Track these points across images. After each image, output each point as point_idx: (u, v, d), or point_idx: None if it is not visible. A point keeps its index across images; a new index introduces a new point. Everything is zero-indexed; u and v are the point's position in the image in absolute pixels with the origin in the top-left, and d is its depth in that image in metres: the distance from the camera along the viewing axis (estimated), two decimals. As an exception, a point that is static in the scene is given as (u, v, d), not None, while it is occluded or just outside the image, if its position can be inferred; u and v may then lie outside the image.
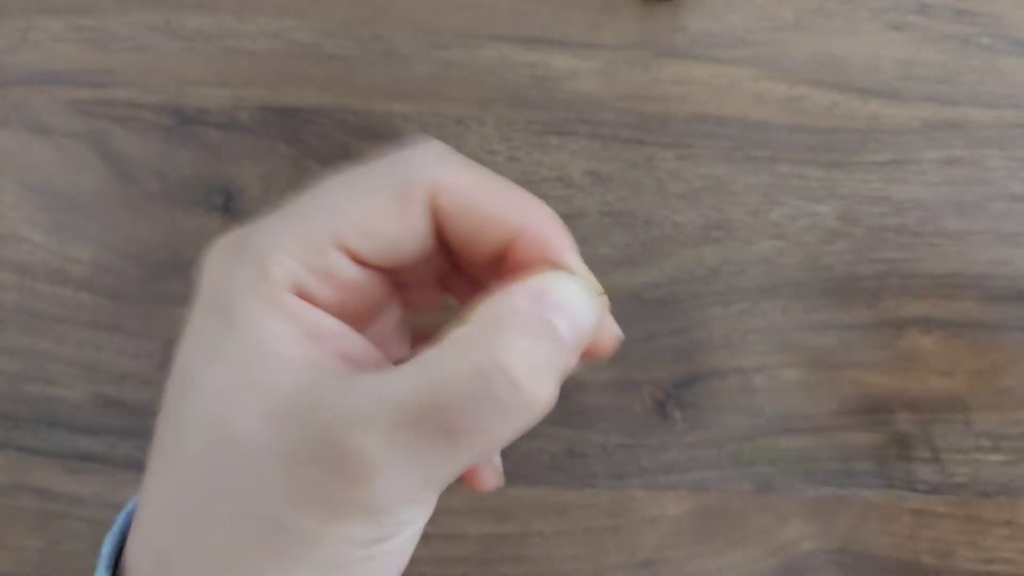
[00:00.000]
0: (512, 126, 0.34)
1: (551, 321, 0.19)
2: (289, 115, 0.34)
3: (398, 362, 0.19)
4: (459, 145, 0.33)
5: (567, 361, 0.19)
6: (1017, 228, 0.33)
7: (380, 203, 0.20)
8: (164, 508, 0.19)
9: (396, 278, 0.22)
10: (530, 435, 0.33)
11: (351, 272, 0.20)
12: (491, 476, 0.24)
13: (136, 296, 0.33)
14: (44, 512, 0.33)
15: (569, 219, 0.33)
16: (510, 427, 0.18)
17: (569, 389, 0.32)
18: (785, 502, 0.32)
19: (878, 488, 0.33)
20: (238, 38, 0.34)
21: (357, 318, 0.21)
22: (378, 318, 0.23)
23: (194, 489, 0.18)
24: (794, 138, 0.33)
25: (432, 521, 0.33)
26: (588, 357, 0.21)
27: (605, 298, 0.21)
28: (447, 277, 0.25)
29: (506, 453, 0.33)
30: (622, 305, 0.33)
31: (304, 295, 0.19)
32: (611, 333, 0.22)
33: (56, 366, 0.33)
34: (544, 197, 0.34)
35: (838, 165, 0.33)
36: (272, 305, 0.19)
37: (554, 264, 0.20)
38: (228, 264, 0.20)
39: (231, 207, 0.33)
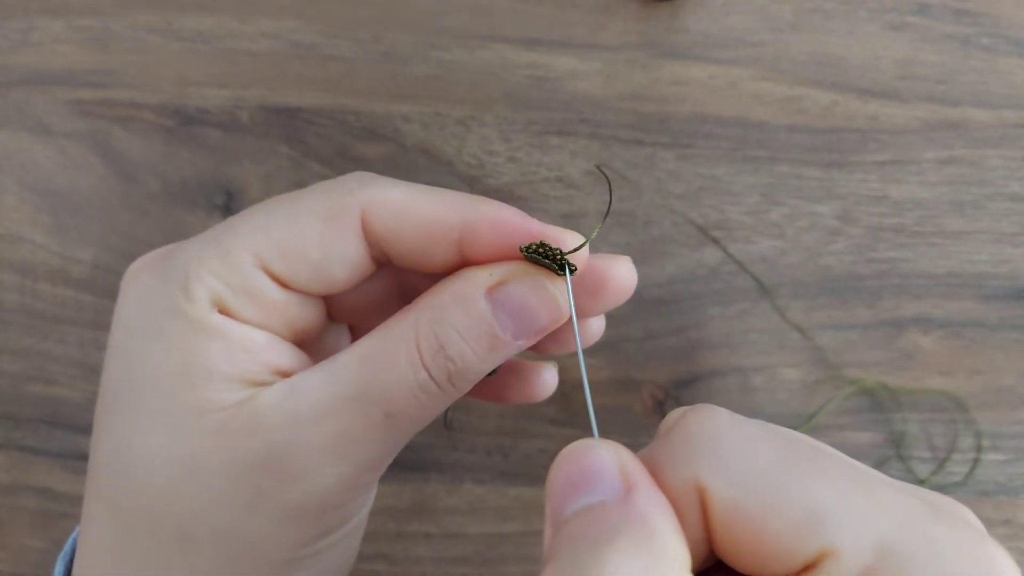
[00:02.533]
0: (512, 126, 0.34)
1: (496, 319, 0.18)
2: (289, 115, 0.34)
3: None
4: (459, 145, 0.33)
5: (509, 351, 0.19)
6: (1017, 228, 0.33)
7: (305, 227, 0.19)
8: (123, 553, 0.19)
9: (336, 312, 0.22)
10: (531, 435, 0.33)
11: (276, 294, 0.19)
12: (547, 379, 0.24)
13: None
14: (45, 512, 0.33)
15: (569, 219, 0.33)
16: (438, 407, 0.19)
17: (569, 389, 0.33)
18: (785, 501, 0.32)
19: (878, 487, 0.33)
20: (238, 39, 0.34)
21: (296, 339, 0.20)
22: (316, 348, 0.23)
23: (144, 521, 0.18)
24: (793, 138, 0.33)
25: (434, 520, 0.33)
26: (609, 305, 0.21)
27: (583, 252, 0.20)
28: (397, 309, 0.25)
29: (506, 453, 0.33)
30: (623, 305, 0.33)
31: (229, 313, 0.19)
32: (619, 262, 0.21)
33: (57, 366, 0.33)
34: (545, 197, 0.34)
35: (837, 165, 0.33)
36: (199, 324, 0.18)
37: (520, 250, 0.19)
38: (150, 285, 0.19)
39: (231, 207, 0.33)
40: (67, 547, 0.21)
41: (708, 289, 0.33)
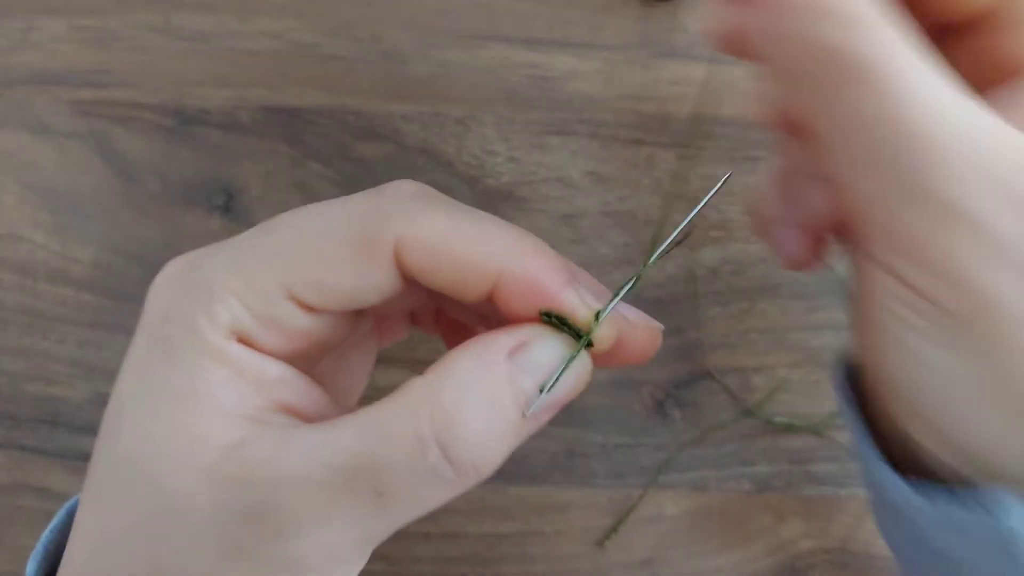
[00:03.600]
0: (512, 126, 0.34)
1: (510, 390, 0.17)
2: (289, 115, 0.34)
3: (347, 403, 0.18)
4: (459, 145, 0.33)
5: (522, 432, 0.18)
6: (1016, 228, 0.33)
7: (337, 256, 0.18)
8: (97, 565, 0.18)
9: (361, 315, 0.21)
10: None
11: (301, 321, 0.19)
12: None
13: (137, 296, 0.33)
14: (44, 511, 0.33)
15: (569, 219, 0.33)
16: (443, 495, 0.17)
17: (569, 389, 0.33)
18: (784, 502, 0.32)
19: (877, 488, 0.33)
20: (239, 39, 0.34)
21: (314, 356, 0.20)
22: (341, 348, 0.22)
23: (125, 548, 0.18)
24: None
25: (433, 520, 0.33)
26: (626, 362, 0.20)
27: (610, 332, 0.19)
28: (421, 316, 0.24)
29: (506, 453, 0.33)
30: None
31: (248, 341, 0.18)
32: (647, 334, 0.20)
33: (57, 366, 0.33)
34: (544, 197, 0.34)
35: (837, 165, 0.33)
36: (214, 349, 0.18)
37: (543, 308, 0.18)
38: (175, 297, 0.19)
39: (232, 207, 0.33)
40: (39, 547, 0.21)
41: (708, 289, 0.33)
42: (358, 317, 0.21)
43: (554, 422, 0.33)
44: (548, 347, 0.18)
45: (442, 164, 0.33)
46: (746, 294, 0.33)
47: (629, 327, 0.19)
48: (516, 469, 0.33)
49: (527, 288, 0.18)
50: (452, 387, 0.17)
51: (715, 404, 0.33)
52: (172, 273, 0.19)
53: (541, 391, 0.18)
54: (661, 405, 0.33)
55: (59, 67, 0.34)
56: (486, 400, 0.17)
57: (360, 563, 0.19)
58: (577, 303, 0.18)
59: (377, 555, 0.32)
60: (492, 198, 0.33)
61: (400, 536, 0.33)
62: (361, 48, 0.34)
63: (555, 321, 0.18)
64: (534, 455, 0.33)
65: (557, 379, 0.18)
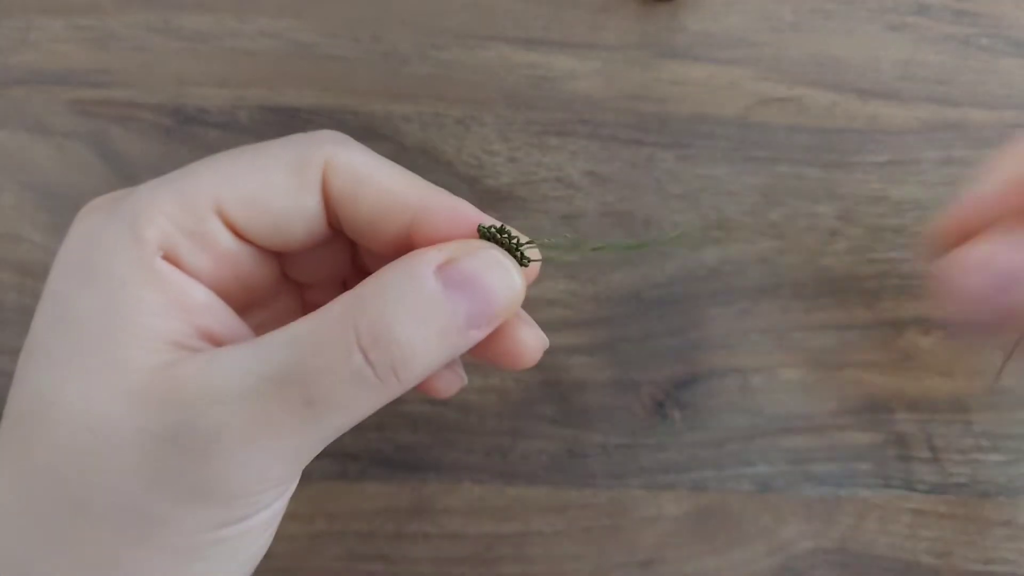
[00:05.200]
0: (512, 126, 0.34)
1: (436, 300, 0.17)
2: (289, 115, 0.34)
3: None
4: (459, 145, 0.33)
5: (451, 344, 0.17)
6: (1016, 228, 0.33)
7: (269, 174, 0.18)
8: (21, 509, 0.17)
9: (290, 270, 0.21)
10: (530, 435, 0.33)
11: (229, 243, 0.19)
12: (453, 381, 0.22)
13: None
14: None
15: (569, 219, 0.33)
16: (371, 401, 0.17)
17: (569, 389, 0.33)
18: (784, 502, 0.32)
19: (877, 488, 0.33)
20: (238, 38, 0.34)
21: (239, 300, 0.20)
22: (268, 310, 0.22)
23: (47, 488, 0.17)
24: (793, 138, 0.33)
25: (433, 520, 0.33)
26: (506, 366, 0.19)
27: (534, 262, 0.18)
28: (351, 279, 0.23)
29: (506, 453, 0.33)
30: (622, 305, 0.33)
31: (176, 260, 0.18)
32: (533, 341, 0.19)
33: (56, 366, 0.33)
34: (544, 197, 0.34)
35: (837, 165, 0.33)
36: (139, 268, 0.17)
37: (479, 228, 0.18)
38: (97, 223, 0.18)
39: (231, 207, 0.33)
40: None
41: (708, 289, 0.33)
42: (285, 269, 0.21)
43: (554, 422, 0.33)
44: (478, 260, 0.18)
45: (442, 164, 0.33)
46: (746, 294, 0.33)
47: (524, 320, 0.19)
48: (516, 469, 0.33)
49: (447, 216, 0.18)
50: (378, 296, 0.17)
51: (715, 404, 0.33)
52: (96, 204, 0.19)
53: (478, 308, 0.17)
54: (661, 405, 0.33)
55: (58, 67, 0.34)
56: (411, 308, 0.17)
57: (289, 486, 0.19)
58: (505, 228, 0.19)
59: (377, 555, 0.32)
60: (492, 198, 0.33)
61: (399, 536, 0.33)
62: (361, 48, 0.34)
63: (494, 233, 0.18)
64: (534, 455, 0.33)
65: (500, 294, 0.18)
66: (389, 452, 0.32)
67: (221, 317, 0.19)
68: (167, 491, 0.17)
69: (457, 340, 0.17)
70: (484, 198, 0.33)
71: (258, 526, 0.19)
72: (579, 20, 0.34)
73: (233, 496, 0.17)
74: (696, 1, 0.34)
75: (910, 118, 0.34)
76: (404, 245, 0.19)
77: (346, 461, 0.32)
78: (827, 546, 0.32)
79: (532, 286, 0.32)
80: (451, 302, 0.17)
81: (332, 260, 0.21)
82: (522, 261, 0.18)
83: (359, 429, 0.32)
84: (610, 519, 0.32)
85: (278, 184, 0.18)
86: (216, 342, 0.18)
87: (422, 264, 0.17)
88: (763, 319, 0.33)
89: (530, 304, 0.32)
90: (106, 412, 0.17)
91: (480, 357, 0.20)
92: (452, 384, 0.22)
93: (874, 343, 0.33)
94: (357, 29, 0.34)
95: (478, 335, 0.18)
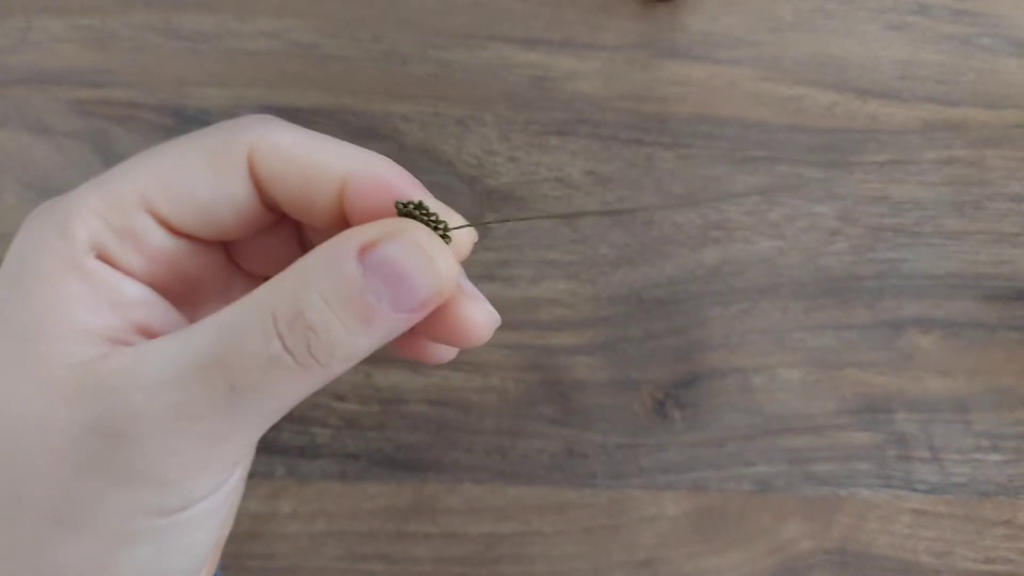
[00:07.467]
0: (512, 126, 0.34)
1: (357, 284, 0.17)
2: (289, 115, 0.34)
3: None
4: (459, 145, 0.33)
5: (391, 324, 0.17)
6: (1017, 228, 0.33)
7: (190, 166, 0.18)
8: None
9: (241, 260, 0.21)
10: (530, 435, 0.33)
11: (162, 238, 0.19)
12: (442, 349, 0.21)
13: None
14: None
15: (569, 219, 0.33)
16: (295, 387, 0.17)
17: (569, 389, 0.33)
18: (784, 502, 0.32)
19: (877, 488, 0.33)
20: (238, 38, 0.34)
21: (183, 294, 0.20)
22: (222, 301, 0.21)
23: None
24: (793, 138, 0.33)
25: (432, 520, 0.33)
26: (455, 343, 0.19)
27: (470, 237, 0.18)
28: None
29: (505, 453, 0.33)
30: (622, 305, 0.33)
31: (108, 258, 0.18)
32: (480, 317, 0.19)
33: (56, 366, 0.33)
34: (544, 197, 0.34)
35: (837, 165, 0.33)
36: (69, 266, 0.17)
37: (396, 205, 0.18)
38: (34, 226, 0.19)
39: (231, 207, 0.33)
40: None
41: (708, 289, 0.33)
42: (236, 259, 0.21)
43: (554, 422, 0.33)
44: (397, 246, 0.17)
45: (442, 164, 0.33)
46: (746, 294, 0.33)
47: (470, 295, 0.19)
48: (515, 469, 0.33)
49: (371, 187, 0.18)
50: (297, 280, 0.17)
51: (715, 404, 0.33)
52: (40, 208, 0.19)
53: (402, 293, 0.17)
54: (661, 405, 0.33)
55: (58, 67, 0.34)
56: (328, 293, 0.16)
57: (224, 476, 0.18)
58: (429, 197, 0.18)
59: (376, 555, 0.32)
60: (492, 198, 0.33)
61: (399, 536, 0.33)
62: (361, 48, 0.34)
63: (411, 210, 0.17)
64: (534, 455, 0.33)
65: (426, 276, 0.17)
66: (389, 452, 0.32)
67: (158, 312, 0.19)
68: (96, 476, 0.17)
69: (386, 324, 0.17)
70: (484, 198, 0.33)
71: (197, 517, 0.18)
72: (579, 20, 0.34)
73: (160, 482, 0.17)
74: (696, 1, 0.34)
75: (910, 118, 0.34)
76: (340, 223, 0.19)
77: (346, 461, 0.32)
78: (827, 546, 0.32)
79: (532, 286, 0.32)
80: (373, 287, 0.17)
81: (281, 246, 0.21)
82: (445, 237, 0.18)
83: (359, 429, 0.32)
84: (610, 519, 0.32)
85: (199, 174, 0.18)
86: (154, 336, 0.18)
87: (343, 248, 0.17)
88: (763, 319, 0.33)
89: (530, 304, 0.32)
90: (37, 406, 0.17)
91: (429, 337, 0.19)
92: (440, 352, 0.21)
93: (874, 343, 0.33)
94: (357, 29, 0.34)
95: (414, 317, 0.17)
